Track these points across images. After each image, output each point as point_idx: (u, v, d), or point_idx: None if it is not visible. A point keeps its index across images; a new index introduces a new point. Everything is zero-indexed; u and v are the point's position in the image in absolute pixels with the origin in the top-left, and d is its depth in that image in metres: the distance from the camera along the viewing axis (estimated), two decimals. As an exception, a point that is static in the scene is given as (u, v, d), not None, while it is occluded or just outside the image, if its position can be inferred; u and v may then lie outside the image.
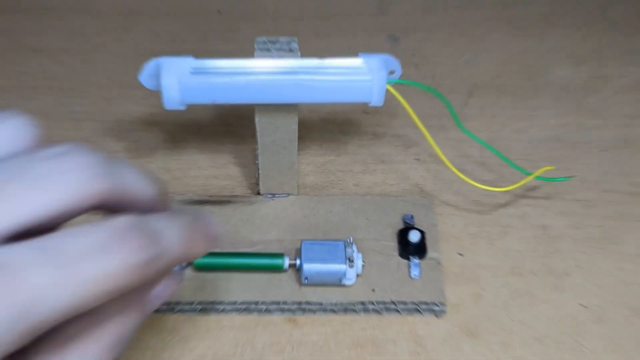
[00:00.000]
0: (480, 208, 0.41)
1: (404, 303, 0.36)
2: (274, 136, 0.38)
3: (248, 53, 0.36)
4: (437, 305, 0.36)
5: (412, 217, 0.39)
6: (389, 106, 0.47)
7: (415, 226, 0.39)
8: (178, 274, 0.24)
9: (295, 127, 0.38)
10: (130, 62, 0.50)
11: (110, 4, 0.55)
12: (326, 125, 0.46)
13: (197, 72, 0.35)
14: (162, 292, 0.23)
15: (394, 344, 0.35)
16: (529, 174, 0.39)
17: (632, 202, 0.42)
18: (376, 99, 0.36)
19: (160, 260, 0.19)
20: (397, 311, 0.36)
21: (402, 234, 0.38)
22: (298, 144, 0.39)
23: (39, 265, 0.16)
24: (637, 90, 0.49)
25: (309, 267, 0.35)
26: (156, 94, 0.48)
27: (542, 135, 0.46)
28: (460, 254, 0.39)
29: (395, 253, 0.38)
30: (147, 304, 0.22)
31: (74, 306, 0.17)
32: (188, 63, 0.35)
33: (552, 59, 0.52)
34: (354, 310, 0.36)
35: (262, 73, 0.35)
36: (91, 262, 0.17)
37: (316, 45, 0.52)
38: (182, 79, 0.34)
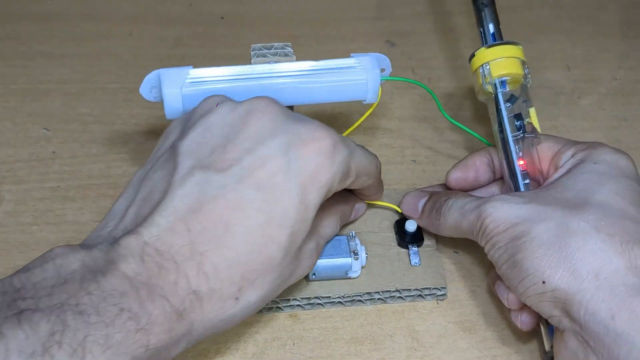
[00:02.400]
0: (475, 207, 0.43)
1: (408, 290, 0.37)
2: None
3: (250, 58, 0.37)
4: (439, 290, 0.37)
5: None
6: (387, 109, 0.48)
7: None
8: (364, 205, 0.40)
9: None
10: (135, 66, 0.51)
11: (116, 10, 0.56)
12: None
13: (196, 81, 0.36)
14: (360, 207, 0.40)
15: (392, 340, 0.36)
16: None
17: (622, 202, 0.43)
18: (371, 96, 0.37)
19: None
20: (402, 298, 0.37)
21: (399, 224, 0.39)
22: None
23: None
24: (626, 93, 0.51)
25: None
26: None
27: (535, 137, 0.47)
28: (456, 252, 0.40)
29: (394, 243, 0.39)
30: (354, 210, 0.39)
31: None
32: (187, 73, 0.36)
33: (544, 63, 0.53)
34: (361, 301, 0.37)
35: (259, 78, 0.35)
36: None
37: (316, 49, 0.53)
38: (183, 89, 0.35)
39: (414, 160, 0.45)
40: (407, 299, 0.38)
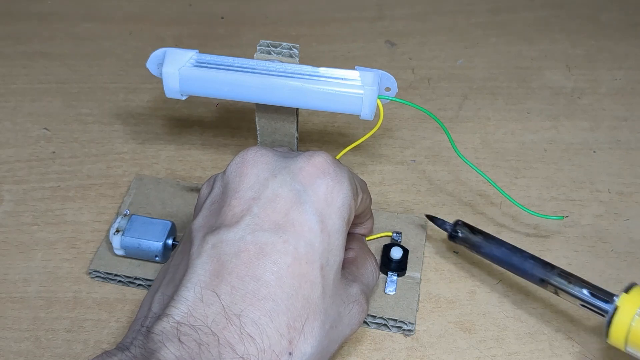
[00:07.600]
0: (474, 208, 0.43)
1: (373, 317, 0.36)
2: (274, 137, 0.39)
3: (250, 57, 0.37)
4: (406, 324, 0.36)
5: (400, 234, 0.39)
6: (387, 110, 0.48)
7: (402, 244, 0.39)
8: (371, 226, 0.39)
9: (294, 130, 0.39)
10: (135, 66, 0.51)
11: (117, 10, 0.56)
12: (325, 127, 0.47)
13: (197, 64, 0.36)
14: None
15: (392, 340, 0.36)
16: (529, 212, 0.39)
17: (622, 202, 0.43)
18: (366, 113, 0.35)
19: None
20: (366, 323, 0.36)
21: (386, 249, 0.38)
22: (298, 145, 0.40)
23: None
24: (626, 94, 0.50)
25: None
26: (162, 100, 0.49)
27: (534, 137, 0.47)
28: (456, 252, 0.40)
29: None
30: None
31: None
32: (191, 55, 0.36)
33: (544, 63, 0.53)
34: None
35: (257, 73, 0.35)
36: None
37: (316, 49, 0.53)
38: (182, 70, 0.35)
39: (414, 160, 0.45)
40: (372, 325, 0.36)
